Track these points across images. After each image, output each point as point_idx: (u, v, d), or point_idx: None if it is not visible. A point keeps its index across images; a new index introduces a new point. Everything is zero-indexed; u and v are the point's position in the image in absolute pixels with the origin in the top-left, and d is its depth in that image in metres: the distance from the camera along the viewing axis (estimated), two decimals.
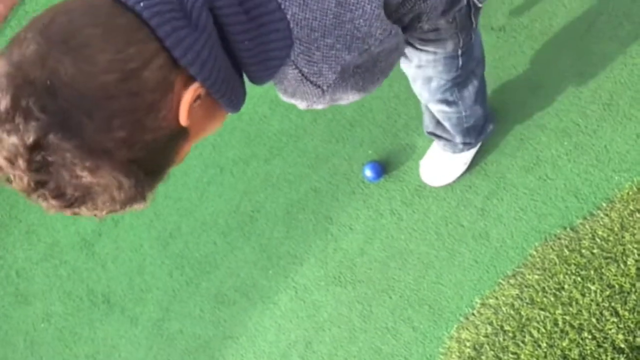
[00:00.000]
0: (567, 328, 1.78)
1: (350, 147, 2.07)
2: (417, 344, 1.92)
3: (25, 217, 2.39)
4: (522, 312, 1.83)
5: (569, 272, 1.81)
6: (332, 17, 0.81)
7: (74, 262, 2.29)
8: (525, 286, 1.85)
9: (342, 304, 2.01)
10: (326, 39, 0.81)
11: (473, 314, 1.88)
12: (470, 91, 1.54)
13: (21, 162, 0.66)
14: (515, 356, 1.80)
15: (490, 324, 1.85)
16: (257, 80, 0.84)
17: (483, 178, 1.94)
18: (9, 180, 0.69)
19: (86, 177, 0.67)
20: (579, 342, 1.76)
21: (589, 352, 1.75)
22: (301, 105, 0.91)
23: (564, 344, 1.77)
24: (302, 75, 0.83)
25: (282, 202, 2.11)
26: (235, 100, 0.81)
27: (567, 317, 1.78)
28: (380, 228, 2.01)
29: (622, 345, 1.72)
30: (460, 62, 1.35)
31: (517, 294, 1.85)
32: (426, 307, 1.93)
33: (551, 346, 1.78)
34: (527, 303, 1.83)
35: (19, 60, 0.65)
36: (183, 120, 0.72)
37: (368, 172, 2.00)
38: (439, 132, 1.77)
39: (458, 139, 1.77)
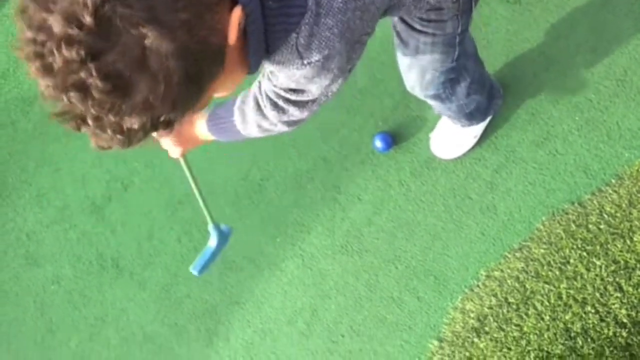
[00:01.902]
0: (571, 302, 1.80)
1: (361, 117, 2.07)
2: (422, 313, 1.94)
3: (36, 181, 2.41)
4: (527, 285, 1.84)
5: (575, 246, 1.83)
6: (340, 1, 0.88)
7: (84, 226, 2.32)
8: (531, 260, 1.86)
9: (348, 273, 2.03)
10: (328, 19, 0.88)
11: (478, 286, 1.90)
12: (462, 86, 1.58)
13: (87, 17, 0.65)
14: (518, 328, 1.83)
15: (495, 295, 1.87)
16: (270, 45, 0.91)
17: (493, 151, 1.94)
18: (47, 69, 0.67)
19: (148, 39, 0.68)
20: (582, 316, 1.78)
21: (591, 325, 1.77)
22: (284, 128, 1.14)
23: (567, 317, 1.79)
24: (296, 45, 0.89)
25: (291, 171, 2.12)
26: (257, 55, 0.90)
27: (571, 291, 1.80)
28: (389, 199, 2.02)
29: (625, 320, 1.74)
30: (457, 53, 1.39)
31: (522, 267, 1.86)
32: (432, 278, 1.95)
33: (554, 319, 1.80)
34: (532, 276, 1.85)
35: None
36: (232, 38, 0.79)
37: (378, 143, 2.00)
38: (445, 115, 1.79)
39: (464, 121, 1.79)
